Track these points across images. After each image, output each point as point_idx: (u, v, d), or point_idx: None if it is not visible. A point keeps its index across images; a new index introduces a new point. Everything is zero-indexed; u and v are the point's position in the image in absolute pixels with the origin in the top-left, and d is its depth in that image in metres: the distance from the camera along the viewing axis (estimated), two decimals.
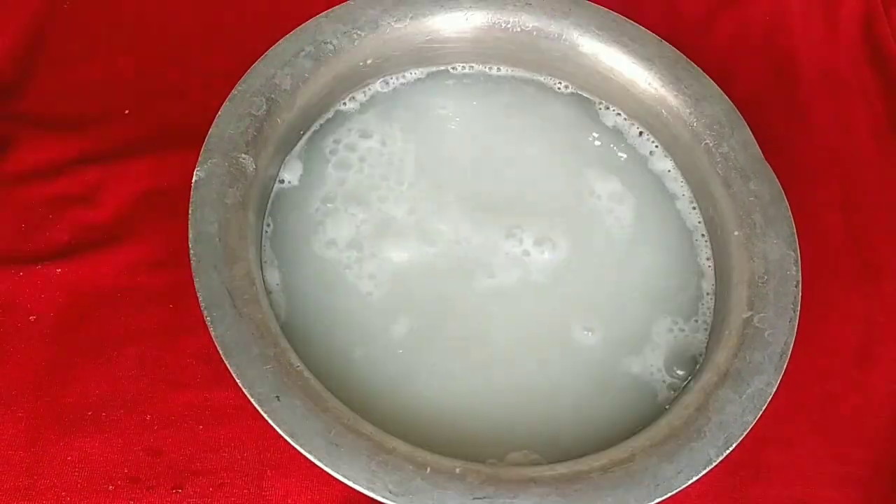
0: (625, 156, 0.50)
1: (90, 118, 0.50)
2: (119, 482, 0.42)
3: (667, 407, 0.43)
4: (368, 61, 0.49)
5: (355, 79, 0.49)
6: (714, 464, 0.39)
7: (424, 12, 0.49)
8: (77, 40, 0.53)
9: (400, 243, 0.45)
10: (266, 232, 0.45)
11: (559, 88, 0.52)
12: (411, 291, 0.44)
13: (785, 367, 0.41)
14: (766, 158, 0.47)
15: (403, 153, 0.48)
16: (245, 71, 0.45)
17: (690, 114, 0.48)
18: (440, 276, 0.45)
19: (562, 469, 0.39)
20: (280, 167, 0.46)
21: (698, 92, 0.48)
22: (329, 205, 0.46)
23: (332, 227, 0.45)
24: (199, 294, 0.39)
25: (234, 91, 0.44)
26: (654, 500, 0.38)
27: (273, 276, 0.44)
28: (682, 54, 0.49)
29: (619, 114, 0.51)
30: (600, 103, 0.51)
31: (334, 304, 0.44)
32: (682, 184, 0.49)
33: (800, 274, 0.44)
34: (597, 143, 0.50)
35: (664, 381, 0.44)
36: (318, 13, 0.47)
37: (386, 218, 0.46)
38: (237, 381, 0.38)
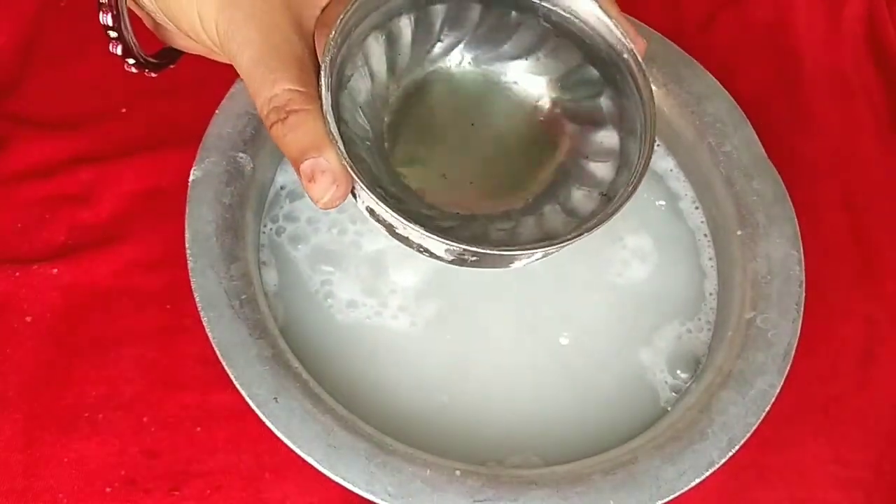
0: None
1: (86, 117, 0.50)
2: (116, 484, 0.41)
3: (669, 408, 0.43)
4: None
5: None
6: (717, 466, 0.38)
7: None
8: (74, 39, 0.52)
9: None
10: (264, 232, 0.45)
11: None
12: (411, 292, 0.44)
13: (788, 367, 0.41)
14: (769, 157, 0.46)
15: None
16: None
17: (693, 112, 0.48)
18: (438, 276, 0.45)
19: (563, 471, 0.38)
20: (277, 168, 0.46)
21: (701, 90, 0.48)
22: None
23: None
24: (196, 294, 0.39)
25: (232, 89, 0.44)
26: (656, 503, 0.37)
27: (271, 277, 0.44)
28: (684, 52, 0.49)
29: None
30: None
31: (332, 304, 0.43)
32: (684, 183, 0.49)
33: (803, 274, 0.43)
34: None
35: (667, 383, 0.44)
36: None
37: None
38: (235, 382, 0.37)
